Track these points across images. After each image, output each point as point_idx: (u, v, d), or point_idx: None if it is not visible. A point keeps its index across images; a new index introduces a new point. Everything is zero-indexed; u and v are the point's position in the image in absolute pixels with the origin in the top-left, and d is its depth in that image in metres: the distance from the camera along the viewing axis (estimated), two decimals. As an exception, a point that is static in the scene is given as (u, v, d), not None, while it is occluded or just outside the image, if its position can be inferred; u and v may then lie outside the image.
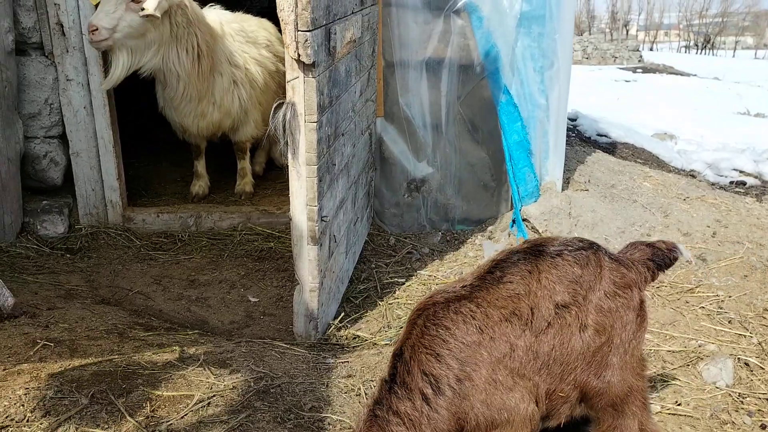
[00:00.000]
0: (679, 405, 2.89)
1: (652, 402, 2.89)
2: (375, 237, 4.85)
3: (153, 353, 2.88)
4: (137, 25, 4.14)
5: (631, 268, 2.02)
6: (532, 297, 1.93)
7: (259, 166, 5.87)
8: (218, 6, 4.99)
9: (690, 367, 3.21)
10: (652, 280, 2.10)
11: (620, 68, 18.80)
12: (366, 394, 2.78)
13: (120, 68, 4.23)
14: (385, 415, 1.88)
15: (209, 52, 4.52)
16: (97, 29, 4.02)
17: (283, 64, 5.05)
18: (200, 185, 5.26)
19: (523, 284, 1.94)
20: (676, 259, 2.12)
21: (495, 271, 2.02)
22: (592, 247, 2.04)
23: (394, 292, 4.10)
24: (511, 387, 1.93)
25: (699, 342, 3.43)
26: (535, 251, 2.01)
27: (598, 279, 1.94)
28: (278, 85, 5.17)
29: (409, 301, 3.99)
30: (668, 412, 2.84)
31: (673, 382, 3.08)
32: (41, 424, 2.27)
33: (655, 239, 4.51)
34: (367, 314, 3.83)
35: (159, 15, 4.11)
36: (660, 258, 2.07)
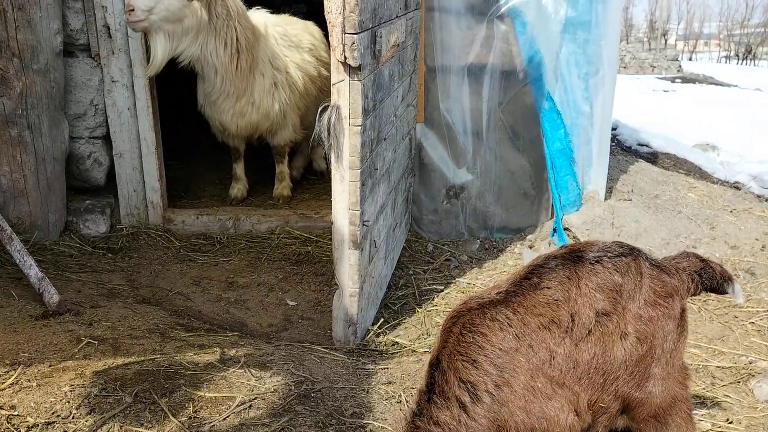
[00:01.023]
0: (730, 423, 2.79)
1: (702, 419, 2.80)
2: (413, 243, 4.81)
3: (194, 354, 2.88)
4: (175, 9, 4.16)
5: (674, 275, 1.94)
6: (572, 304, 1.88)
7: (297, 171, 5.88)
8: (263, 8, 5.02)
9: (740, 384, 3.10)
10: (694, 293, 2.00)
11: (659, 78, 18.49)
12: (407, 401, 2.74)
13: (160, 53, 4.25)
14: (426, 425, 1.84)
15: (249, 48, 4.52)
16: (133, 9, 4.05)
17: (326, 69, 5.11)
18: (239, 188, 5.29)
19: (561, 290, 1.89)
20: (724, 290, 2.01)
21: (532, 276, 1.96)
22: (632, 253, 1.96)
23: (433, 299, 4.05)
24: (550, 395, 1.87)
25: (749, 358, 3.31)
26: (574, 257, 1.95)
27: (638, 287, 1.88)
28: (319, 90, 5.18)
29: (448, 309, 3.94)
30: (719, 429, 2.74)
31: (724, 399, 2.97)
32: (86, 421, 2.28)
33: (701, 252, 4.40)
34: (406, 321, 3.79)
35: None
36: (708, 276, 1.98)
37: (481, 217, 4.94)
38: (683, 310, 1.94)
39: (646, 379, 1.87)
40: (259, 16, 4.84)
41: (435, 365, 1.93)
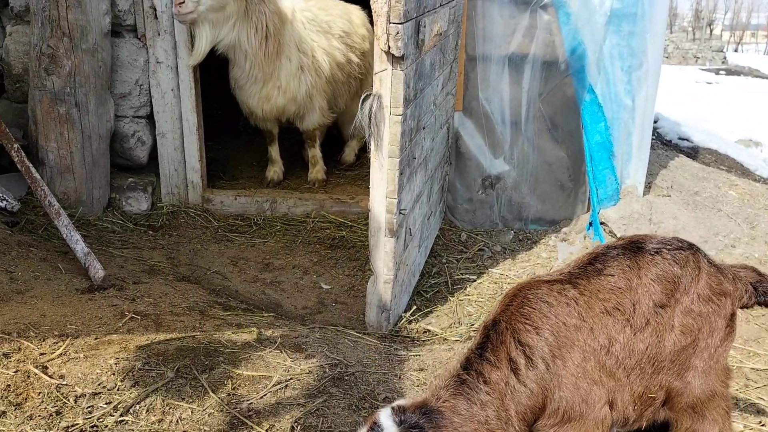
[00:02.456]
0: (763, 426, 2.77)
1: (734, 421, 2.78)
2: (446, 232, 4.83)
3: (232, 333, 2.96)
4: None
5: (730, 279, 1.94)
6: (633, 293, 1.89)
7: (352, 154, 5.89)
8: None
9: (775, 387, 3.07)
10: (747, 305, 1.99)
11: (702, 69, 18.04)
12: (438, 389, 2.78)
13: (204, 41, 4.34)
14: (473, 380, 1.81)
15: (276, 33, 4.56)
16: (183, 2, 4.13)
17: (357, 55, 5.14)
18: (275, 170, 5.36)
19: (624, 279, 1.90)
20: None
21: (595, 263, 1.97)
22: (691, 248, 1.98)
23: (465, 289, 4.08)
24: (597, 381, 1.88)
25: (786, 362, 3.28)
26: (634, 247, 1.96)
27: (696, 281, 1.89)
28: (347, 76, 5.19)
29: (480, 299, 3.97)
30: (752, 431, 2.73)
31: (758, 401, 2.95)
32: (131, 393, 2.38)
33: (739, 252, 4.33)
34: (438, 309, 3.82)
35: None
36: (764, 291, 1.96)
37: (516, 208, 4.93)
38: (733, 314, 1.94)
39: (686, 370, 1.89)
40: (287, 1, 4.87)
41: (491, 326, 1.91)
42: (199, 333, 2.89)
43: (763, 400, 2.95)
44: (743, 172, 6.64)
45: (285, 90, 4.77)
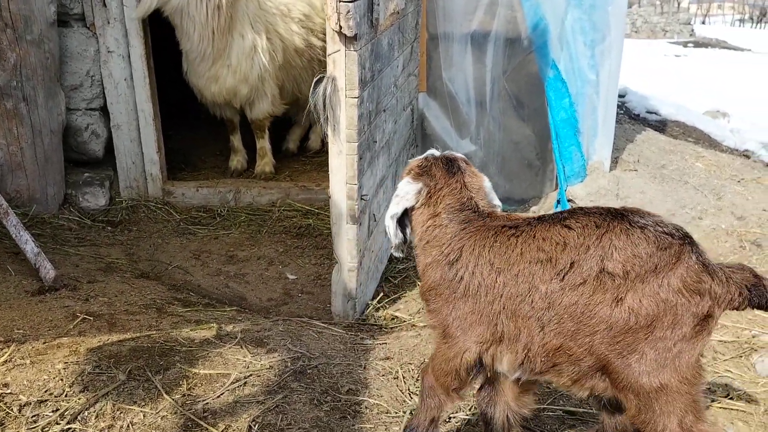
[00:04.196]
0: (731, 399, 2.76)
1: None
2: (414, 215, 4.75)
3: (191, 330, 2.87)
4: None
5: (719, 281, 1.85)
6: (579, 251, 1.83)
7: (294, 143, 5.78)
8: None
9: (743, 358, 3.06)
10: (738, 307, 1.91)
11: (671, 42, 18.12)
12: (404, 377, 2.72)
13: None
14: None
15: (228, 7, 4.39)
16: None
17: (320, 39, 4.99)
18: (238, 160, 5.24)
19: (578, 235, 1.84)
20: None
21: (566, 216, 1.92)
22: (682, 239, 1.87)
23: (434, 272, 4.01)
24: (487, 323, 1.93)
25: (753, 332, 3.27)
26: (619, 214, 1.89)
27: (670, 268, 1.80)
28: (309, 60, 5.05)
29: (449, 282, 3.91)
30: (719, 406, 2.71)
31: (725, 374, 2.94)
32: (79, 399, 2.27)
33: (707, 223, 4.33)
34: (406, 294, 3.76)
35: None
36: (758, 294, 1.88)
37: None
38: (710, 316, 1.85)
39: (631, 352, 1.83)
40: None
41: None
42: (155, 332, 2.79)
43: (731, 372, 2.94)
44: (711, 143, 6.66)
45: (235, 70, 4.61)
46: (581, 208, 1.96)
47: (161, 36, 4.76)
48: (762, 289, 1.85)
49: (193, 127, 6.13)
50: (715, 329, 3.24)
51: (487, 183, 2.15)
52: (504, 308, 1.90)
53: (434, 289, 2.01)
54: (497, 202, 2.17)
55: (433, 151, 2.17)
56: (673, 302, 1.80)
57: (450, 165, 2.10)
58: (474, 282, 1.93)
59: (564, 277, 1.83)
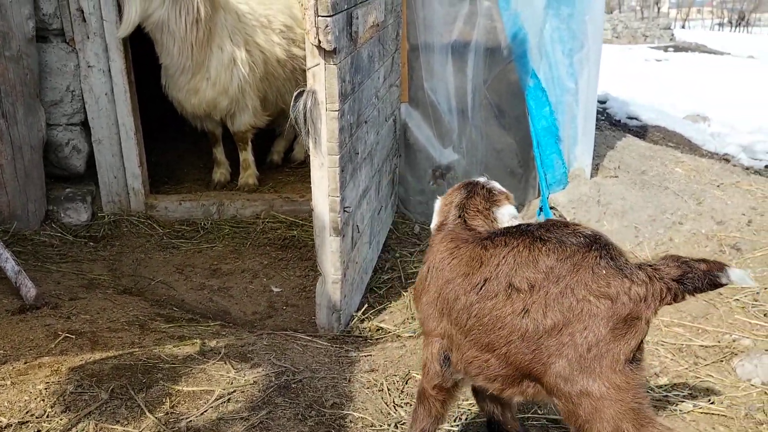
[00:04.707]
0: (712, 404, 2.78)
1: (683, 400, 2.79)
2: (399, 225, 4.78)
3: (174, 346, 2.85)
4: None
5: (639, 281, 1.87)
6: (492, 268, 1.97)
7: (278, 155, 5.79)
8: None
9: (724, 363, 3.09)
10: (674, 300, 1.93)
11: (651, 47, 18.33)
12: (389, 389, 2.73)
13: (134, 11, 4.15)
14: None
15: (207, 19, 4.40)
16: None
17: (300, 50, 5.00)
18: (221, 172, 5.23)
19: (491, 254, 1.99)
20: (720, 283, 1.89)
21: (499, 230, 2.10)
22: (589, 247, 1.92)
23: (418, 282, 4.03)
24: (437, 319, 2.08)
25: (733, 336, 3.30)
26: (527, 230, 2.01)
27: (569, 277, 1.86)
28: (292, 71, 5.06)
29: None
30: (701, 411, 2.74)
31: (707, 379, 2.97)
32: (60, 420, 2.26)
33: (687, 228, 4.38)
34: (391, 305, 3.77)
35: None
36: (691, 281, 1.91)
37: (468, 196, 4.89)
38: (629, 316, 1.86)
39: (548, 360, 1.89)
40: None
41: None
42: (137, 349, 2.78)
43: (712, 377, 2.97)
44: (691, 147, 6.74)
45: (215, 82, 4.61)
46: (509, 229, 2.10)
47: (142, 50, 4.75)
48: (692, 274, 1.87)
49: (176, 140, 6.12)
50: (697, 334, 3.30)
51: (504, 210, 2.27)
52: (444, 311, 2.06)
53: (416, 288, 2.22)
54: (509, 223, 2.28)
55: (479, 178, 2.37)
56: (579, 309, 1.84)
57: (466, 187, 2.31)
58: (432, 283, 2.10)
59: (480, 290, 1.97)
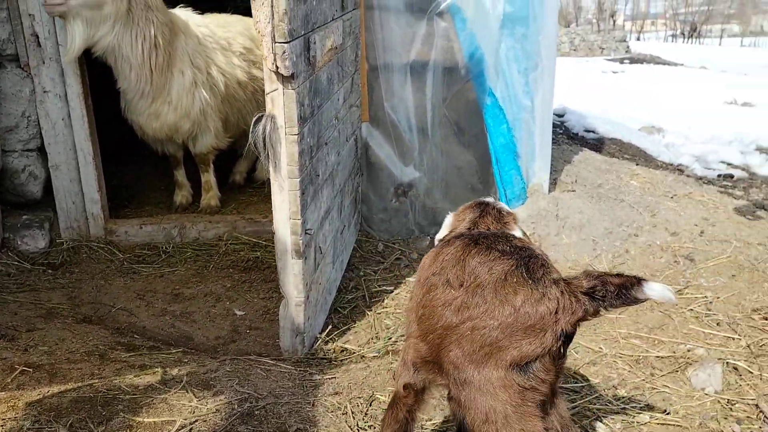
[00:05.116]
0: (668, 414, 2.87)
1: (640, 412, 2.87)
2: (363, 243, 4.80)
3: (134, 376, 2.82)
4: None
5: (548, 296, 1.88)
6: (438, 265, 2.12)
7: (240, 176, 5.78)
8: (190, 8, 4.89)
9: (679, 373, 3.19)
10: (590, 314, 1.97)
11: (608, 59, 18.80)
12: (353, 412, 2.74)
13: (77, 38, 4.09)
14: None
15: (166, 44, 4.38)
16: None
17: (261, 72, 5.01)
18: (183, 195, 5.19)
19: (444, 254, 2.12)
20: (636, 298, 1.89)
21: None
22: (513, 255, 2.02)
23: (383, 301, 4.05)
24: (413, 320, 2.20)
25: (688, 346, 3.41)
26: (471, 235, 2.21)
27: (485, 278, 1.99)
28: (253, 93, 5.08)
29: (398, 310, 3.95)
30: (657, 422, 2.82)
31: (663, 389, 3.05)
32: (18, 457, 2.22)
33: (643, 240, 4.50)
34: (356, 325, 3.78)
35: None
36: (602, 295, 1.95)
37: (431, 213, 4.95)
38: (535, 328, 1.90)
39: (450, 344, 2.01)
40: (180, 14, 4.71)
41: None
42: (97, 380, 2.74)
43: (669, 387, 3.06)
44: (646, 159, 6.93)
45: (176, 106, 4.58)
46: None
47: (101, 71, 4.71)
48: (603, 288, 1.92)
49: (137, 162, 6.06)
50: (653, 345, 3.39)
51: (513, 232, 2.36)
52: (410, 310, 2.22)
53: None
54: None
55: (488, 198, 2.54)
56: (484, 310, 1.97)
57: (479, 206, 2.47)
58: (415, 286, 2.25)
59: (428, 284, 2.12)
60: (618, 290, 1.90)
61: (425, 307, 2.10)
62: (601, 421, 2.80)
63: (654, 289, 1.88)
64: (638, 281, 1.89)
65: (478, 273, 2.00)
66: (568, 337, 1.97)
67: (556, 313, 1.90)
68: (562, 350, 1.98)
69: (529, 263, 1.99)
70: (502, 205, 2.52)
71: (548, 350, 1.93)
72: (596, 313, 1.94)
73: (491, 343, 1.94)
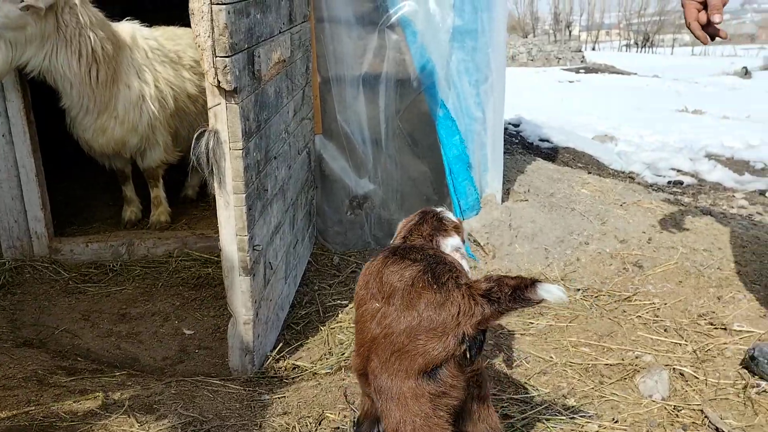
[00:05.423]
0: (616, 422, 2.89)
1: (589, 421, 2.89)
2: (318, 257, 4.76)
3: (74, 401, 2.72)
4: (14, 17, 3.85)
5: (451, 299, 1.89)
6: (366, 277, 2.14)
7: (193, 190, 5.69)
8: (137, 21, 4.79)
9: (627, 380, 3.22)
10: (490, 317, 1.96)
11: (564, 69, 19.15)
12: (301, 432, 2.69)
13: (1, 61, 3.93)
14: None
15: (108, 60, 4.27)
16: None
17: (211, 86, 4.95)
18: (132, 210, 5.07)
19: (372, 265, 2.16)
20: (531, 299, 1.88)
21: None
22: (422, 262, 2.05)
23: (337, 316, 4.01)
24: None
25: (636, 353, 3.45)
26: (395, 246, 2.26)
27: (397, 285, 2.01)
28: (203, 106, 5.00)
29: (352, 325, 3.91)
30: (605, 430, 2.84)
31: (612, 397, 3.08)
32: (-57, 494, 2.11)
33: (593, 247, 4.56)
34: (309, 341, 3.73)
35: (42, 7, 3.86)
36: (497, 297, 1.96)
37: (386, 225, 4.94)
38: (438, 332, 1.89)
39: (371, 353, 2.04)
40: (127, 27, 4.61)
41: None
42: (34, 407, 2.63)
43: (617, 395, 3.09)
44: (599, 167, 7.05)
45: (123, 120, 4.48)
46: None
47: (44, 85, 4.58)
48: (497, 291, 1.93)
49: (84, 178, 5.90)
50: (602, 353, 3.42)
51: (449, 240, 2.42)
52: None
53: None
54: (446, 251, 2.42)
55: (437, 208, 2.59)
56: (395, 317, 1.98)
57: (421, 214, 2.52)
58: None
59: (361, 294, 2.14)
60: (513, 291, 1.90)
61: (358, 322, 2.11)
62: (550, 432, 2.81)
63: (547, 290, 1.88)
64: (532, 283, 1.88)
65: (392, 281, 2.02)
66: (474, 342, 1.95)
67: (458, 315, 1.91)
68: (468, 355, 1.95)
69: (436, 269, 2.00)
70: (447, 213, 2.53)
71: (452, 354, 1.93)
72: (496, 316, 1.93)
73: (399, 349, 1.94)
